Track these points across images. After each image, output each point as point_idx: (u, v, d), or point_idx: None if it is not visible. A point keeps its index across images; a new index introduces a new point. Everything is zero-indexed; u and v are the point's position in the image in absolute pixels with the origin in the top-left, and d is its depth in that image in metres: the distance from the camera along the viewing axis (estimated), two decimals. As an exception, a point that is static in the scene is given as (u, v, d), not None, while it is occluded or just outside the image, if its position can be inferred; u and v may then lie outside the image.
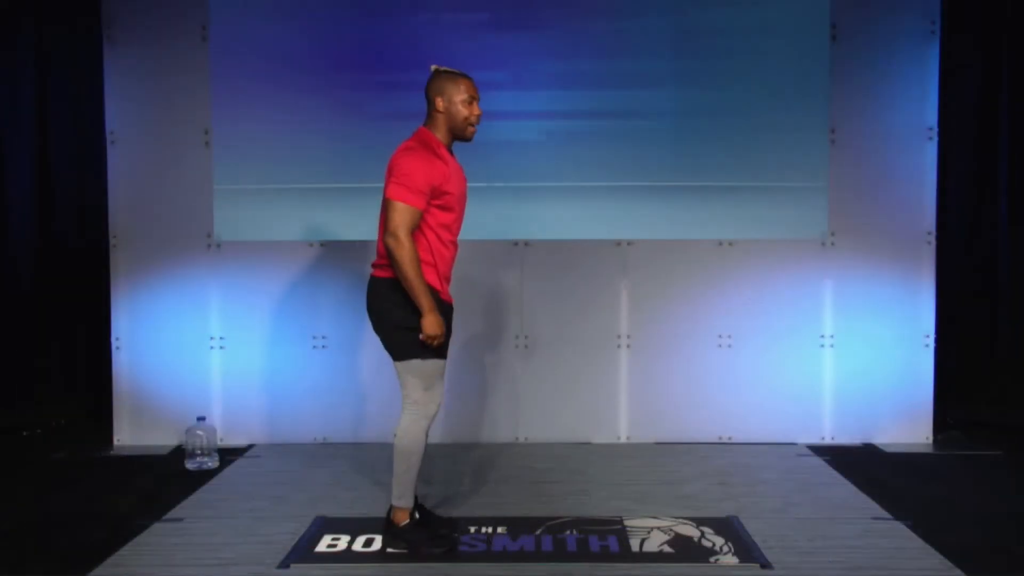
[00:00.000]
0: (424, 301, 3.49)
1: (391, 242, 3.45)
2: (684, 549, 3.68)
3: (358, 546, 3.73)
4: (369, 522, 3.97)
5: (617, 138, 5.38)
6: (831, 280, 5.43)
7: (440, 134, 3.63)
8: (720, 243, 5.44)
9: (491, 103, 5.16)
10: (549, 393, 5.46)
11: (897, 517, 4.07)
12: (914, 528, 3.91)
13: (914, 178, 5.37)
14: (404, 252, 3.45)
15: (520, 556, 3.63)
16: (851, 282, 5.41)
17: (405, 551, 3.66)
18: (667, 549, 3.67)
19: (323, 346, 5.44)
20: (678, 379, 5.46)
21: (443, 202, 3.59)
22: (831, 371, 5.43)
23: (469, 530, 3.90)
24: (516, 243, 5.45)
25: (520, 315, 5.46)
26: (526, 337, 5.47)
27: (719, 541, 3.76)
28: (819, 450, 5.24)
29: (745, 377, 5.43)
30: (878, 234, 5.39)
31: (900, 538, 3.82)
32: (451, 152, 3.67)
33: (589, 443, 5.42)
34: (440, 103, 3.59)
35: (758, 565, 3.51)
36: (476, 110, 3.62)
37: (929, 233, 5.41)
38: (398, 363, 3.66)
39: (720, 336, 5.44)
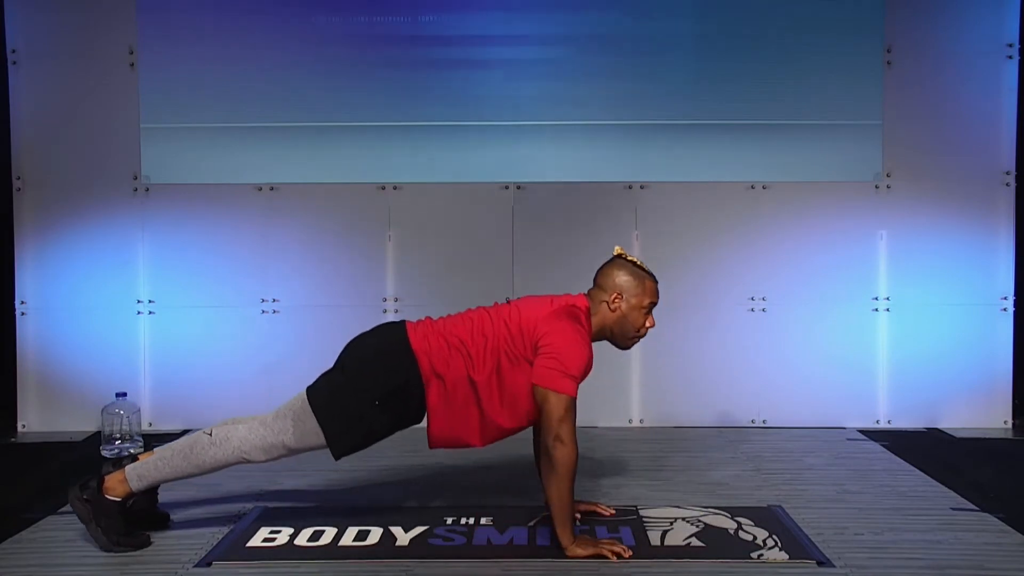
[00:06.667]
0: (567, 529, 3.19)
1: (556, 445, 3.15)
2: (717, 543, 3.32)
3: (302, 540, 3.36)
4: (319, 512, 3.68)
5: (628, 69, 5.12)
6: (886, 231, 5.16)
7: (595, 324, 3.42)
8: (752, 186, 5.14)
9: (478, 25, 5.12)
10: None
11: (984, 508, 3.71)
12: (1008, 521, 3.54)
13: (989, 106, 5.09)
14: (569, 457, 3.16)
15: (508, 551, 3.26)
16: (911, 233, 5.15)
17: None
18: (695, 543, 3.31)
19: (273, 311, 5.15)
20: (701, 350, 5.18)
21: None
22: (887, 341, 5.17)
23: (445, 521, 3.55)
24: (506, 186, 5.14)
25: (510, 273, 5.13)
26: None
27: (761, 533, 3.40)
28: (873, 435, 4.97)
29: (782, 348, 5.17)
30: (943, 175, 5.13)
31: (992, 532, 3.46)
32: None
33: (594, 427, 5.12)
34: (619, 303, 3.40)
35: (814, 562, 3.14)
36: (651, 322, 3.44)
37: (1007, 173, 5.11)
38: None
39: (752, 298, 5.17)
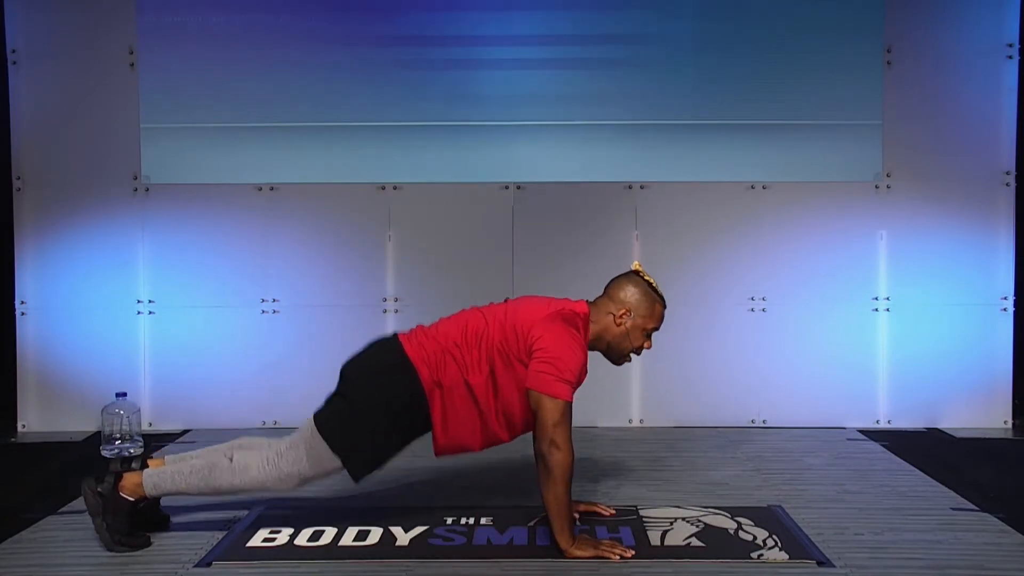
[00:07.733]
0: (566, 533, 3.17)
1: (551, 450, 3.13)
2: (717, 543, 3.30)
3: (302, 540, 3.34)
4: (319, 512, 3.64)
5: (628, 69, 5.08)
6: (886, 231, 5.11)
7: (593, 332, 3.40)
8: (752, 186, 5.10)
9: (477, 25, 5.07)
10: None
11: (984, 508, 3.68)
12: (1008, 521, 3.52)
13: (989, 106, 5.04)
14: (565, 462, 3.14)
15: (508, 551, 3.24)
16: (911, 233, 5.10)
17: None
18: (696, 543, 3.29)
19: (273, 311, 5.11)
20: (701, 350, 5.14)
21: None
22: (887, 341, 5.12)
23: (445, 521, 3.53)
24: (506, 186, 5.10)
25: (510, 273, 5.09)
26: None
27: (761, 534, 3.38)
28: (873, 435, 4.94)
29: (782, 348, 5.12)
30: (943, 175, 5.08)
31: (992, 532, 3.44)
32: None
33: (594, 427, 5.09)
34: (625, 318, 3.38)
35: (814, 562, 3.12)
36: (649, 344, 3.45)
37: (1007, 173, 5.07)
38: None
39: (752, 298, 5.12)
